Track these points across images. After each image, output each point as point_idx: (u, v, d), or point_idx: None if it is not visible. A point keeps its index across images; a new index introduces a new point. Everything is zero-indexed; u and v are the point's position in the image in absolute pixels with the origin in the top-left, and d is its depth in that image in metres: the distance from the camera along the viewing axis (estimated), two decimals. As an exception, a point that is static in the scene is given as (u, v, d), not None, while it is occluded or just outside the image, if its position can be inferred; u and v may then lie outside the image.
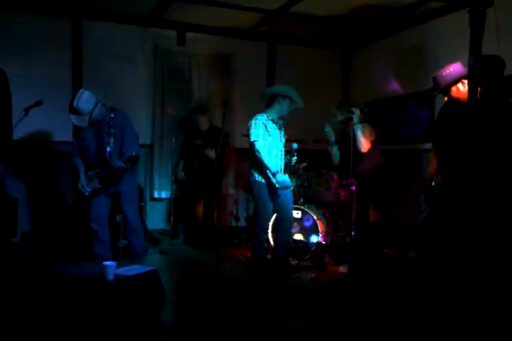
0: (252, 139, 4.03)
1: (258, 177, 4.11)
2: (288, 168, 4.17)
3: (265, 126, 4.04)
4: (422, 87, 5.13)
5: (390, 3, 4.99)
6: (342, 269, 4.37)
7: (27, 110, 3.99)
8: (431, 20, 5.26)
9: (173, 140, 5.44)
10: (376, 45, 6.19)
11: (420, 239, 3.45)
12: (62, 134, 5.37)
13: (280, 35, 6.29)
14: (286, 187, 4.06)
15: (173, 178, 5.51)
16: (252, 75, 6.29)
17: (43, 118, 4.86)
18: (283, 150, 4.19)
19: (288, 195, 4.19)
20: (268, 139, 4.04)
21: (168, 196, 5.62)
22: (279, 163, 4.12)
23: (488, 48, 2.64)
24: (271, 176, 4.04)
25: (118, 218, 4.68)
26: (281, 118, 4.22)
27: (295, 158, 4.19)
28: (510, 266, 2.88)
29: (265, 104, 4.22)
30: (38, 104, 4.04)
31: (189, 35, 5.91)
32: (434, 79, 3.30)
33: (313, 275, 4.23)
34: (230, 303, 3.37)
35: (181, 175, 5.44)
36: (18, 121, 3.91)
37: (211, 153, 5.16)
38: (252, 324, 3.01)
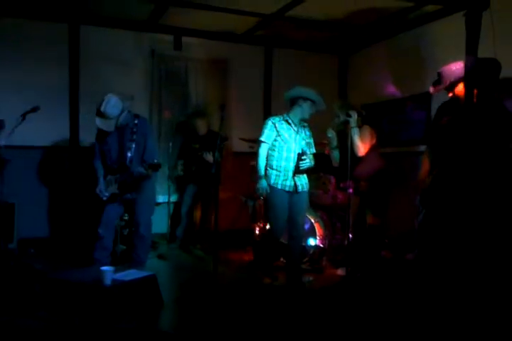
0: (259, 138, 4.02)
1: (269, 181, 3.99)
2: (296, 172, 3.98)
3: (274, 126, 3.97)
4: (418, 90, 5.15)
5: (386, 7, 5.01)
6: (340, 272, 4.37)
7: (24, 115, 3.98)
8: (427, 24, 5.28)
9: (170, 144, 5.44)
10: (373, 48, 6.22)
11: (417, 242, 3.45)
12: (59, 139, 5.36)
13: (277, 39, 6.30)
14: (260, 194, 3.97)
15: (171, 175, 5.51)
16: (249, 79, 6.30)
17: (40, 123, 4.85)
18: (302, 151, 4.01)
19: (297, 200, 4.04)
20: (278, 139, 3.96)
21: (166, 200, 5.61)
22: (291, 165, 3.98)
23: (484, 51, 2.65)
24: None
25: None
26: (304, 121, 4.11)
27: (303, 162, 3.97)
28: (506, 266, 2.89)
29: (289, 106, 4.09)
30: (34, 109, 4.03)
31: (185, 39, 5.91)
32: (440, 73, 3.22)
33: (311, 278, 4.23)
34: (228, 308, 3.36)
35: (180, 169, 5.44)
36: (15, 126, 3.90)
37: (209, 157, 5.16)
38: (251, 328, 3.00)
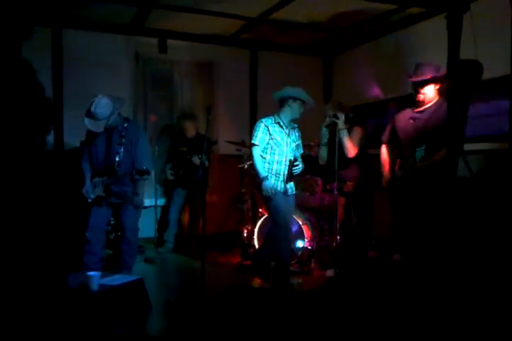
0: (251, 141, 3.99)
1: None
2: (288, 176, 3.99)
3: (268, 129, 3.96)
4: (402, 91, 5.19)
5: (369, 10, 5.05)
6: (328, 273, 4.38)
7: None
8: (410, 26, 5.34)
9: (157, 148, 5.42)
10: (357, 50, 6.26)
11: (397, 242, 3.55)
12: (42, 141, 5.30)
13: (262, 42, 6.32)
14: (267, 196, 3.90)
15: (160, 178, 5.49)
16: (235, 82, 6.31)
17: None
18: (290, 156, 4.03)
19: (286, 202, 4.06)
20: (270, 143, 3.96)
21: (152, 204, 5.58)
22: (283, 168, 3.99)
23: (465, 53, 2.69)
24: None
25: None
26: (294, 121, 4.11)
27: (296, 168, 3.97)
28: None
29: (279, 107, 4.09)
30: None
31: (171, 42, 5.91)
32: (421, 66, 3.51)
33: (299, 280, 4.23)
34: (217, 311, 3.35)
35: (170, 173, 5.42)
36: None
37: (197, 161, 5.14)
38: (239, 331, 2.99)
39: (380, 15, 5.20)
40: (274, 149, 3.97)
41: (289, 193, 4.06)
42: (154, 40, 5.86)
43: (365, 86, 5.90)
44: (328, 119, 4.20)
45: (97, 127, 3.92)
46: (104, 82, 5.53)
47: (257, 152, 3.96)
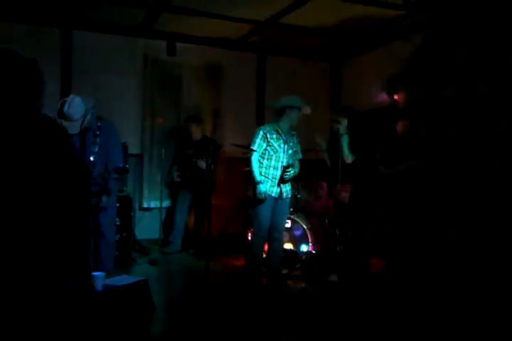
0: (250, 147, 4.16)
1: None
2: (279, 180, 4.14)
3: (265, 136, 4.12)
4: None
5: (377, 15, 5.06)
6: (332, 278, 4.36)
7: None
8: (418, 32, 5.33)
9: (163, 150, 5.44)
10: (365, 56, 6.26)
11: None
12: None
13: (269, 46, 6.34)
14: (258, 199, 4.06)
15: (166, 180, 5.50)
16: (242, 85, 6.32)
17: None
18: (286, 161, 4.16)
19: (280, 205, 4.20)
20: (268, 149, 4.12)
21: (158, 206, 5.59)
22: (279, 173, 4.13)
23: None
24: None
25: None
26: (292, 128, 4.26)
27: (288, 174, 4.13)
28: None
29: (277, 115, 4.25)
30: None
31: (179, 45, 5.93)
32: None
33: (303, 285, 4.22)
34: (220, 313, 3.35)
35: (176, 175, 5.43)
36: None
37: (202, 164, 5.15)
38: (242, 334, 2.99)
39: (389, 21, 5.21)
40: (271, 155, 4.13)
41: (284, 197, 4.20)
42: (163, 43, 5.89)
43: (372, 92, 5.90)
44: (332, 124, 4.29)
45: (72, 128, 3.74)
46: (113, 84, 5.57)
47: (255, 157, 4.14)
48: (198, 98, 6.12)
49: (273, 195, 4.12)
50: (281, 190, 4.15)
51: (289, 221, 4.71)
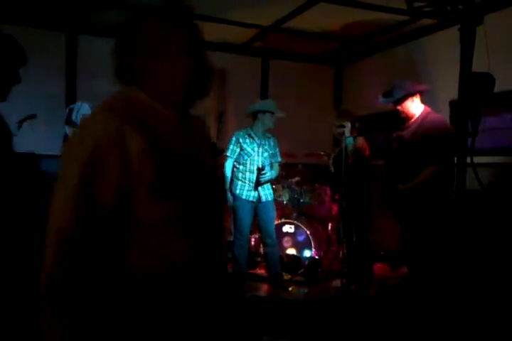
0: (225, 153, 4.31)
1: (234, 191, 4.28)
2: (255, 183, 4.27)
3: (238, 141, 4.28)
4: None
5: (381, 20, 5.06)
6: (335, 284, 4.35)
7: (20, 123, 3.98)
8: (422, 37, 5.34)
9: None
10: (368, 61, 6.27)
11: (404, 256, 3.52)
12: (56, 147, 5.34)
13: (273, 51, 6.35)
14: (229, 206, 4.22)
15: None
16: (246, 90, 6.32)
17: (37, 131, 4.84)
18: (261, 165, 4.28)
19: (261, 209, 4.29)
20: (242, 153, 4.26)
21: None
22: (254, 177, 4.25)
23: (478, 65, 2.68)
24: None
25: None
26: (268, 132, 4.39)
27: (263, 176, 4.24)
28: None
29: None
30: (31, 116, 4.03)
31: (183, 49, 5.94)
32: (392, 89, 3.60)
33: (306, 290, 4.21)
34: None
35: None
36: (12, 134, 3.89)
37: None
38: (244, 339, 2.98)
39: (393, 25, 5.21)
40: (246, 159, 4.27)
41: (264, 200, 4.27)
42: (167, 47, 5.90)
43: (375, 96, 5.89)
44: (334, 129, 4.28)
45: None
46: (118, 88, 5.57)
47: (228, 163, 4.29)
48: (201, 102, 6.12)
49: (250, 198, 4.22)
50: (259, 194, 4.24)
51: (292, 226, 4.71)
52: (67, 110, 3.82)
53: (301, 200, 4.90)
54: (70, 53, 5.46)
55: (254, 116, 4.36)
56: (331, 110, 6.61)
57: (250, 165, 4.27)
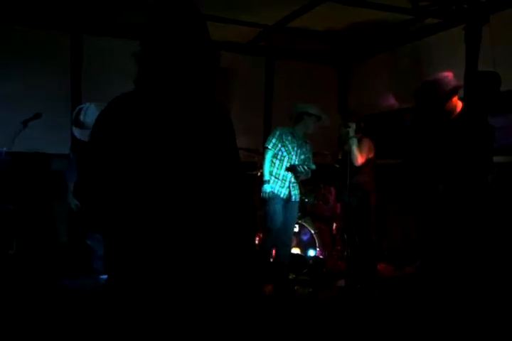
0: (265, 145, 4.25)
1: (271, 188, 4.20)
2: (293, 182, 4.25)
3: (281, 136, 4.22)
4: (418, 102, 5.16)
5: (386, 20, 5.05)
6: (339, 283, 4.35)
7: (26, 122, 3.99)
8: (427, 36, 5.32)
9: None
10: (373, 60, 6.26)
11: (422, 253, 3.47)
12: (60, 147, 5.37)
13: (278, 50, 6.35)
14: (263, 198, 4.14)
15: None
16: (250, 89, 6.32)
17: (42, 130, 4.86)
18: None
19: (289, 208, 4.24)
20: (282, 149, 4.20)
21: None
22: (289, 175, 4.21)
23: (483, 64, 2.67)
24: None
25: None
26: (306, 136, 4.36)
27: (302, 173, 4.24)
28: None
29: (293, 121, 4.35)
30: (36, 116, 4.03)
31: (188, 49, 5.94)
32: (433, 84, 3.09)
33: (310, 290, 4.21)
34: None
35: None
36: (17, 133, 3.91)
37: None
38: (250, 339, 2.98)
39: (398, 25, 5.20)
40: (284, 156, 4.21)
41: (293, 200, 4.25)
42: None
43: (380, 96, 5.89)
44: (340, 129, 4.29)
45: (86, 136, 3.70)
46: (122, 88, 5.55)
47: (268, 156, 4.21)
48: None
49: (281, 195, 4.17)
50: (290, 192, 4.20)
51: (297, 225, 4.71)
52: (75, 111, 3.80)
53: (306, 200, 4.90)
54: (75, 53, 5.48)
55: (298, 117, 4.29)
56: (336, 109, 6.63)
57: (287, 162, 4.22)
